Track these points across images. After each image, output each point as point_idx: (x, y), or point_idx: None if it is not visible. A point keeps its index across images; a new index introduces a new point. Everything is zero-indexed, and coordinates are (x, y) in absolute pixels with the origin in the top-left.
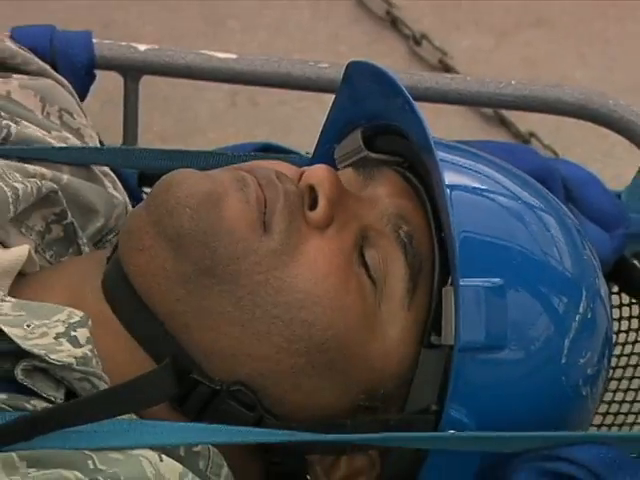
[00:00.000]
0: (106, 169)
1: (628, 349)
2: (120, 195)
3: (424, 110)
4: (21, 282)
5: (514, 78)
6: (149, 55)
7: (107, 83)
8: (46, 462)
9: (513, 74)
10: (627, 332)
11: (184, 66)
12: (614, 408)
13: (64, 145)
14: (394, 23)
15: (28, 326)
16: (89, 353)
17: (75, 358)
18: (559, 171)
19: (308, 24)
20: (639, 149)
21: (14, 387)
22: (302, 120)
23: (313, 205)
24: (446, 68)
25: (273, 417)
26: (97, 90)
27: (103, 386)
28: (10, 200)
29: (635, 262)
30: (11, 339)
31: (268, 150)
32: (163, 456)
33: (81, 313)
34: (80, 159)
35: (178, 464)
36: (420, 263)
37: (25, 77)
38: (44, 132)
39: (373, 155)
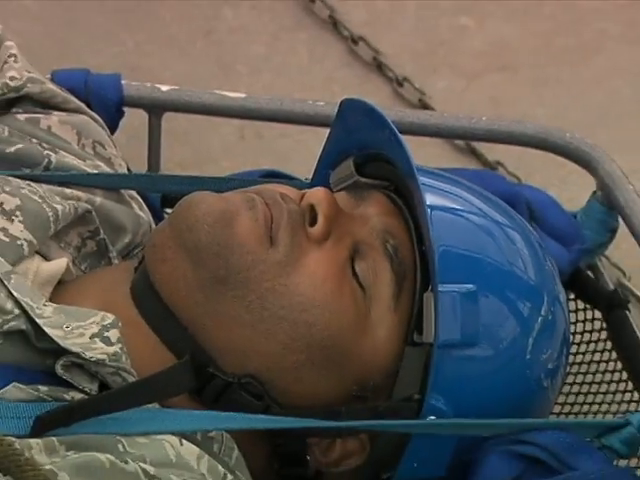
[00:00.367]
0: (133, 193)
1: (583, 348)
2: (145, 215)
3: (406, 142)
4: (60, 290)
5: (483, 115)
6: (170, 95)
7: (134, 119)
8: (82, 446)
9: (482, 111)
10: (582, 333)
11: (200, 104)
12: (571, 399)
13: (97, 172)
14: (380, 67)
15: (67, 327)
16: (119, 351)
17: (107, 355)
18: (523, 195)
19: (306, 68)
20: (592, 176)
21: (54, 380)
22: (301, 151)
23: (313, 222)
24: (425, 106)
25: (278, 405)
26: (125, 125)
27: (131, 379)
28: (51, 219)
29: (589, 273)
30: (52, 339)
31: (272, 176)
32: (183, 440)
33: (112, 316)
34: (111, 184)
35: (196, 447)
36: (404, 272)
37: (64, 114)
38: (80, 161)
39: (363, 180)
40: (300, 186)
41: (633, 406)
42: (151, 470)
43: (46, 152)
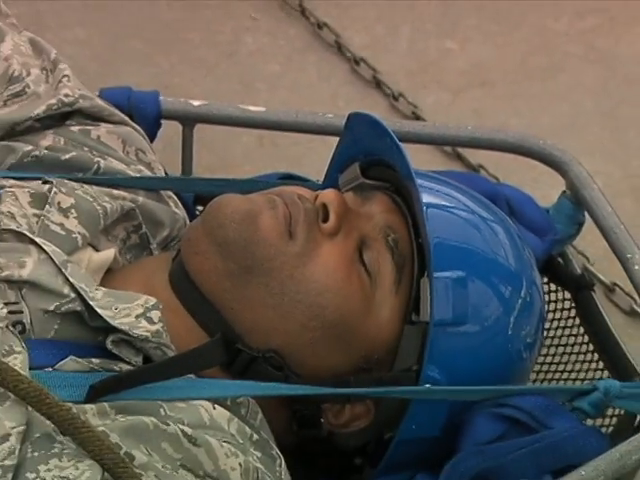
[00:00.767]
0: (170, 193)
1: (555, 324)
2: (180, 212)
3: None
4: (109, 276)
5: (467, 125)
6: (201, 109)
7: (169, 130)
8: (130, 410)
9: (466, 122)
10: (554, 311)
11: (226, 116)
12: (545, 368)
13: (139, 175)
14: (378, 84)
15: (116, 309)
16: (161, 329)
17: (150, 332)
18: (503, 193)
19: (315, 85)
20: (562, 177)
21: (105, 354)
22: (311, 156)
23: (325, 219)
24: (417, 117)
25: (296, 376)
26: (162, 135)
27: (171, 353)
28: (101, 215)
29: (560, 260)
30: (103, 318)
31: (288, 178)
32: (215, 405)
33: (154, 299)
34: (151, 185)
35: (226, 411)
36: (404, 261)
37: (110, 125)
38: (125, 166)
39: (368, 182)
40: (314, 187)
41: (599, 374)
42: (189, 431)
43: (96, 159)
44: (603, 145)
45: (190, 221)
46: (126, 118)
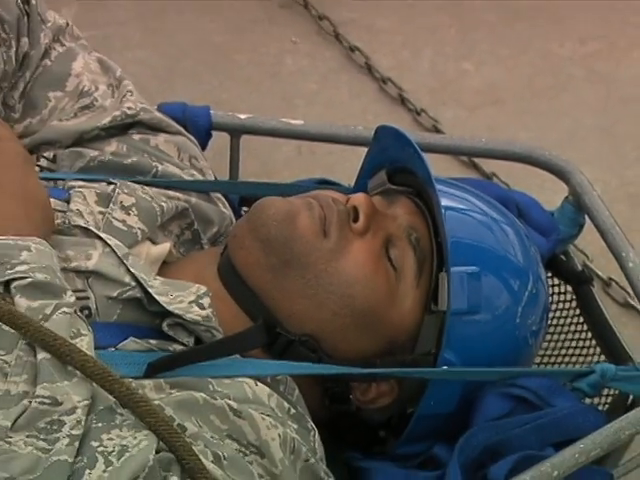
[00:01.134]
0: (219, 195)
1: (558, 314)
2: (228, 212)
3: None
4: (165, 267)
5: (482, 137)
6: (247, 121)
7: (219, 140)
8: (183, 386)
9: (480, 135)
10: (557, 303)
11: (269, 129)
12: (549, 352)
13: (192, 179)
14: (403, 101)
15: (171, 296)
16: (210, 314)
17: (201, 317)
18: (513, 197)
19: (347, 102)
20: (565, 184)
21: (161, 336)
22: (344, 165)
23: (356, 219)
24: (437, 131)
25: (328, 357)
26: (213, 144)
27: (219, 336)
28: (158, 213)
29: (562, 257)
30: (160, 304)
31: (323, 182)
32: (257, 382)
33: (205, 288)
34: (202, 188)
35: (267, 387)
36: (424, 257)
37: (167, 135)
38: (179, 170)
39: (393, 187)
40: (345, 191)
41: (596, 358)
42: (234, 405)
43: (154, 163)
44: (602, 156)
45: (236, 220)
46: (181, 129)
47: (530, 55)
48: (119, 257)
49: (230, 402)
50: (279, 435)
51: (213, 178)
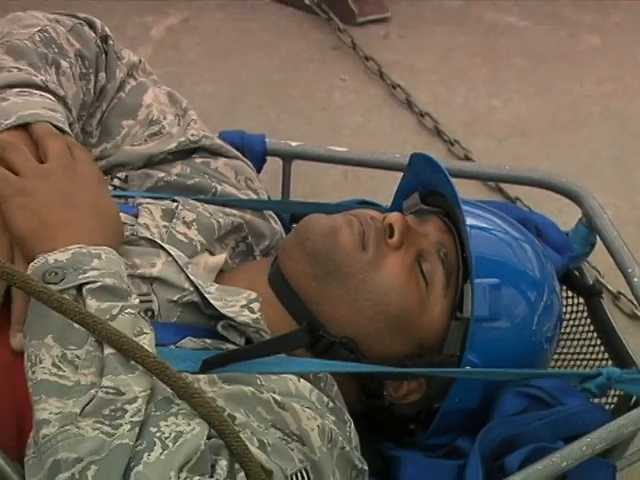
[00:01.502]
0: (271, 212)
1: (571, 323)
2: (279, 227)
3: (455, 182)
4: (221, 276)
5: (506, 165)
6: (297, 148)
7: (273, 164)
8: (233, 380)
9: (507, 164)
10: (570, 313)
11: (318, 155)
12: (562, 357)
13: (247, 198)
14: (439, 133)
15: (225, 300)
16: (259, 317)
17: (251, 320)
18: (533, 219)
19: (389, 133)
20: (579, 207)
21: (216, 336)
22: (385, 188)
23: (391, 235)
24: (468, 159)
25: (365, 358)
26: (267, 168)
27: (267, 337)
28: (216, 228)
29: (576, 272)
30: (215, 308)
31: (364, 203)
32: (300, 379)
33: (255, 294)
34: (256, 206)
35: (309, 383)
36: (452, 270)
37: (226, 159)
38: (236, 190)
39: (425, 207)
40: (383, 210)
41: (604, 363)
42: (278, 398)
43: (214, 184)
44: (614, 184)
45: (286, 235)
46: (239, 154)
47: (553, 94)
48: (180, 266)
49: (275, 396)
50: (318, 426)
51: (266, 198)
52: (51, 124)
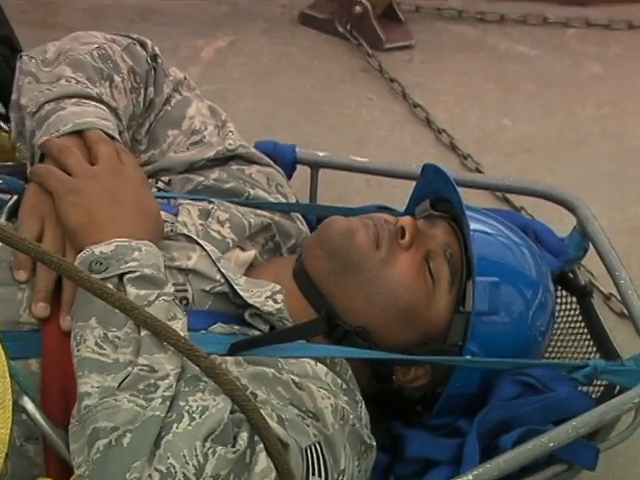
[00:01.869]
0: (298, 215)
1: (564, 320)
2: (304, 228)
3: (466, 192)
4: (251, 270)
5: (510, 177)
6: (324, 158)
7: (302, 172)
8: (257, 363)
9: (514, 177)
10: (564, 311)
11: (342, 164)
12: (555, 350)
13: (277, 202)
14: (453, 148)
15: (252, 292)
16: (282, 307)
17: (274, 309)
18: (532, 225)
19: (410, 147)
20: (574, 216)
21: (243, 323)
22: (403, 195)
23: (403, 236)
24: (479, 172)
25: (376, 345)
26: (297, 175)
27: (289, 325)
28: (247, 227)
29: (570, 274)
30: (243, 298)
31: (382, 208)
32: (317, 362)
33: (279, 286)
34: (285, 209)
35: (325, 367)
36: (456, 269)
37: (259, 166)
38: (267, 194)
39: (434, 213)
40: (397, 215)
41: (593, 356)
42: (296, 379)
43: (247, 188)
44: (610, 197)
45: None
46: (271, 162)
47: (557, 115)
48: (213, 260)
49: (294, 377)
50: (331, 405)
51: (294, 202)
52: (103, 131)
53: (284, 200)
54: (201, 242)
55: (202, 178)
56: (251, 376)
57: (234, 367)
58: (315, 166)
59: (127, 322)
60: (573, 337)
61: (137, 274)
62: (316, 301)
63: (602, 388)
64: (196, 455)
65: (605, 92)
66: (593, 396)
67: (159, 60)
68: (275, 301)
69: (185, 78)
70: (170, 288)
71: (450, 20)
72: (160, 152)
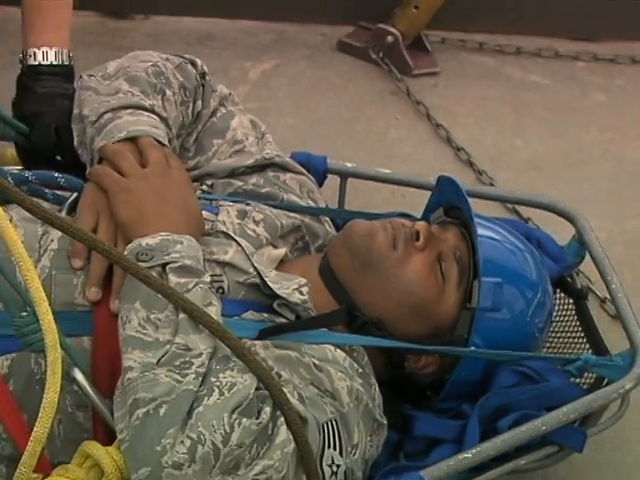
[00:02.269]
0: (327, 218)
1: (562, 319)
2: (331, 230)
3: (480, 203)
4: (281, 265)
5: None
6: (352, 169)
7: (332, 181)
8: (282, 347)
9: (524, 191)
10: (561, 311)
11: (369, 175)
12: (553, 345)
13: (307, 206)
14: (470, 164)
15: (280, 284)
16: (307, 299)
17: (300, 300)
18: (535, 234)
19: (431, 162)
20: (573, 227)
21: (272, 311)
22: (421, 204)
23: (417, 239)
24: (492, 186)
25: (391, 336)
26: (328, 184)
27: (313, 314)
28: (279, 227)
29: (568, 279)
30: (272, 289)
31: (403, 215)
32: (337, 349)
33: (305, 280)
34: (314, 212)
35: (343, 353)
36: (464, 270)
37: (293, 174)
38: (299, 199)
39: (447, 219)
40: (414, 220)
41: (585, 352)
42: (317, 362)
43: (281, 193)
44: (608, 212)
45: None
46: (304, 171)
47: (565, 138)
48: (247, 255)
49: (315, 360)
50: (347, 386)
51: (324, 206)
52: (153, 138)
53: (314, 205)
54: (237, 239)
55: (241, 183)
56: (277, 358)
57: (262, 350)
58: (344, 176)
59: (167, 306)
60: (568, 334)
61: (178, 264)
62: (338, 294)
63: (592, 380)
64: (223, 425)
65: (608, 119)
66: (584, 387)
67: (207, 77)
68: (301, 293)
69: (230, 94)
70: (207, 278)
71: (472, 51)
72: (205, 159)
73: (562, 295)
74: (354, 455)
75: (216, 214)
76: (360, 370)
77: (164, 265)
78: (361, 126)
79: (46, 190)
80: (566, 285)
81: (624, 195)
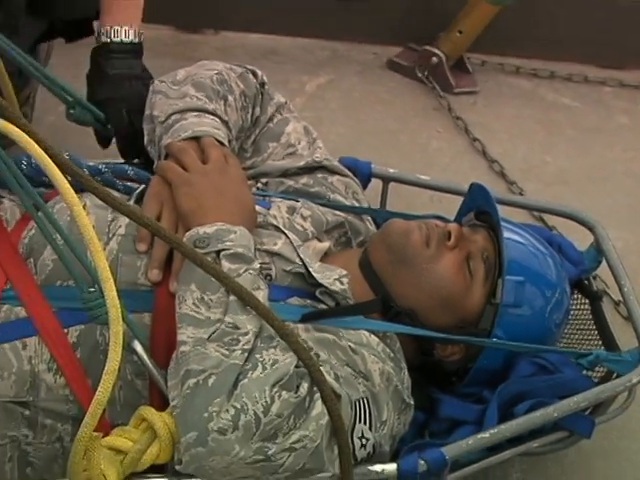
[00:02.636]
0: (369, 217)
1: (577, 319)
2: (372, 228)
3: (509, 211)
4: (325, 257)
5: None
6: (393, 174)
7: (375, 185)
8: (322, 330)
9: (550, 200)
10: (577, 311)
11: (409, 180)
12: (569, 341)
13: (351, 205)
14: (503, 176)
15: (323, 274)
16: (346, 288)
17: (340, 289)
18: (557, 240)
19: (468, 172)
20: (592, 235)
21: (314, 298)
22: (457, 209)
23: (449, 239)
24: (521, 194)
25: (422, 325)
26: (371, 187)
27: (351, 302)
28: (324, 222)
29: (585, 281)
30: (316, 278)
31: (438, 217)
32: (372, 335)
33: (345, 272)
34: (357, 211)
35: (377, 338)
36: (490, 268)
37: (340, 176)
38: (344, 199)
39: (477, 223)
40: (447, 222)
41: (597, 348)
42: (353, 346)
43: (328, 193)
44: (627, 223)
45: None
46: (350, 174)
47: (590, 156)
48: (294, 246)
49: (350, 344)
50: (379, 368)
51: (366, 206)
52: (215, 138)
53: (358, 205)
54: (286, 231)
55: (293, 182)
56: (316, 340)
57: (303, 332)
58: (386, 180)
59: (219, 288)
60: (583, 332)
61: (231, 252)
62: (375, 286)
63: (603, 374)
64: (265, 397)
65: (631, 140)
66: (595, 380)
67: (266, 86)
68: (341, 283)
69: (286, 102)
70: (256, 265)
71: (509, 74)
72: (261, 159)
73: (579, 296)
74: (383, 430)
75: (268, 209)
76: (392, 355)
77: (218, 252)
78: (405, 137)
79: (117, 181)
80: (583, 287)
81: None
